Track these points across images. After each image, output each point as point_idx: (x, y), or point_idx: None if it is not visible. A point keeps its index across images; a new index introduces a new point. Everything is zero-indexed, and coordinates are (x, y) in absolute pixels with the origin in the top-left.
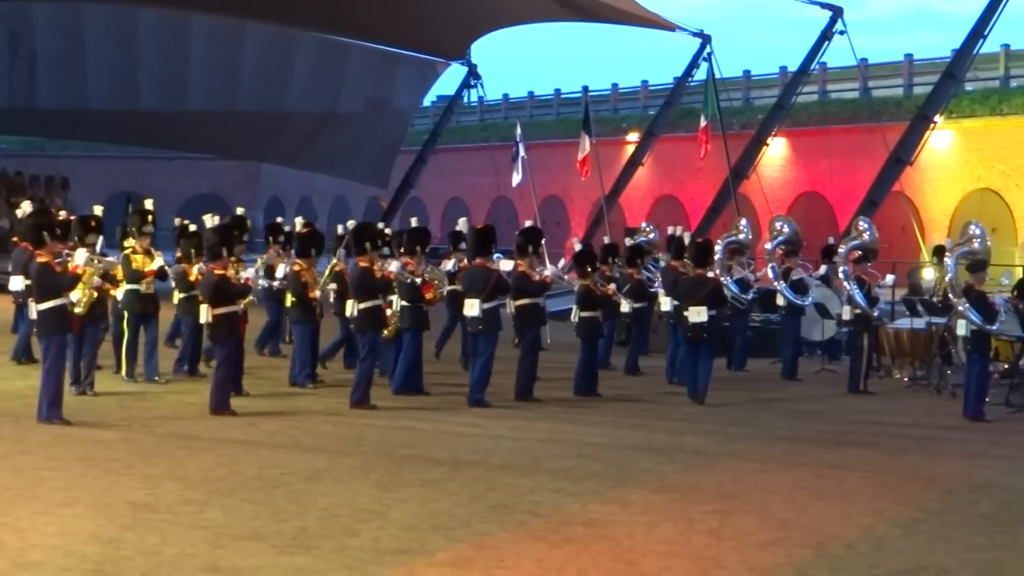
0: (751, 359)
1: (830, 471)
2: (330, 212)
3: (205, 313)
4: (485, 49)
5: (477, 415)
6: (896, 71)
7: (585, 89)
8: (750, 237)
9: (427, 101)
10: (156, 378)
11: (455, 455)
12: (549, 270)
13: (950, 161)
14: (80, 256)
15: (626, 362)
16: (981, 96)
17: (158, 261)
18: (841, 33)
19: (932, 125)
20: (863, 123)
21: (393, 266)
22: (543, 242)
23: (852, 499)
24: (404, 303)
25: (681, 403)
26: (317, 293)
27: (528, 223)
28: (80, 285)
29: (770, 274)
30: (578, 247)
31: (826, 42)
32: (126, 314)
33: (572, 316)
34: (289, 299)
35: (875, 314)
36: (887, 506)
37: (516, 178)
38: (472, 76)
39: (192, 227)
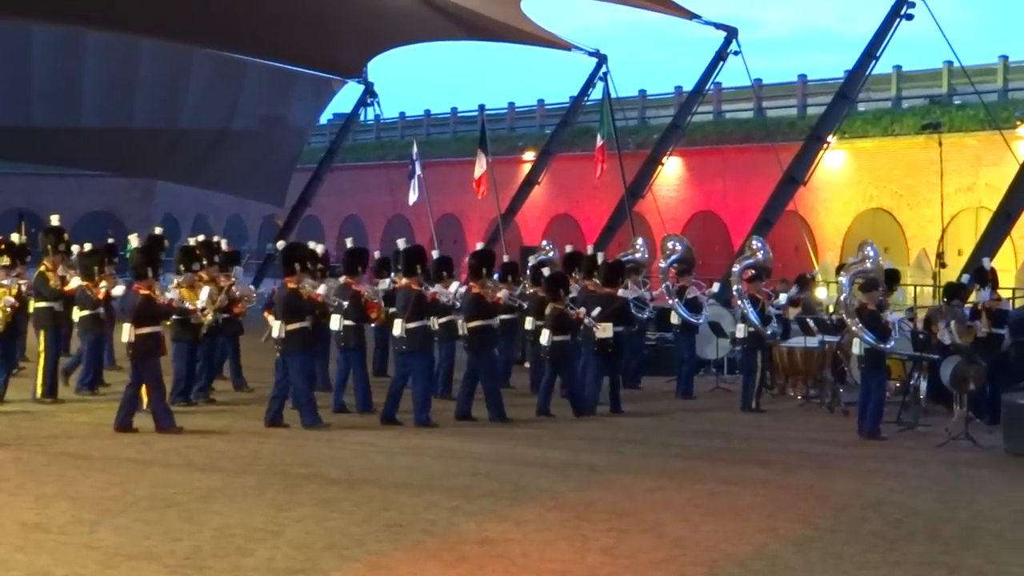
0: (647, 377)
1: (724, 489)
2: (225, 230)
3: (128, 332)
4: (382, 67)
5: (373, 433)
6: (790, 91)
7: (481, 108)
8: (647, 256)
9: (323, 119)
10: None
11: (350, 473)
12: (502, 293)
13: (843, 181)
14: None
15: (531, 381)
16: (873, 117)
17: (75, 280)
18: (736, 54)
19: (825, 145)
20: (757, 143)
21: (321, 289)
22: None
23: (746, 517)
24: (348, 323)
25: (576, 421)
26: (201, 300)
27: (479, 245)
28: None
29: (665, 293)
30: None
31: (721, 62)
32: (43, 333)
33: (543, 339)
34: None
35: (768, 332)
36: (780, 524)
37: (412, 196)
38: (368, 94)
39: (88, 245)
